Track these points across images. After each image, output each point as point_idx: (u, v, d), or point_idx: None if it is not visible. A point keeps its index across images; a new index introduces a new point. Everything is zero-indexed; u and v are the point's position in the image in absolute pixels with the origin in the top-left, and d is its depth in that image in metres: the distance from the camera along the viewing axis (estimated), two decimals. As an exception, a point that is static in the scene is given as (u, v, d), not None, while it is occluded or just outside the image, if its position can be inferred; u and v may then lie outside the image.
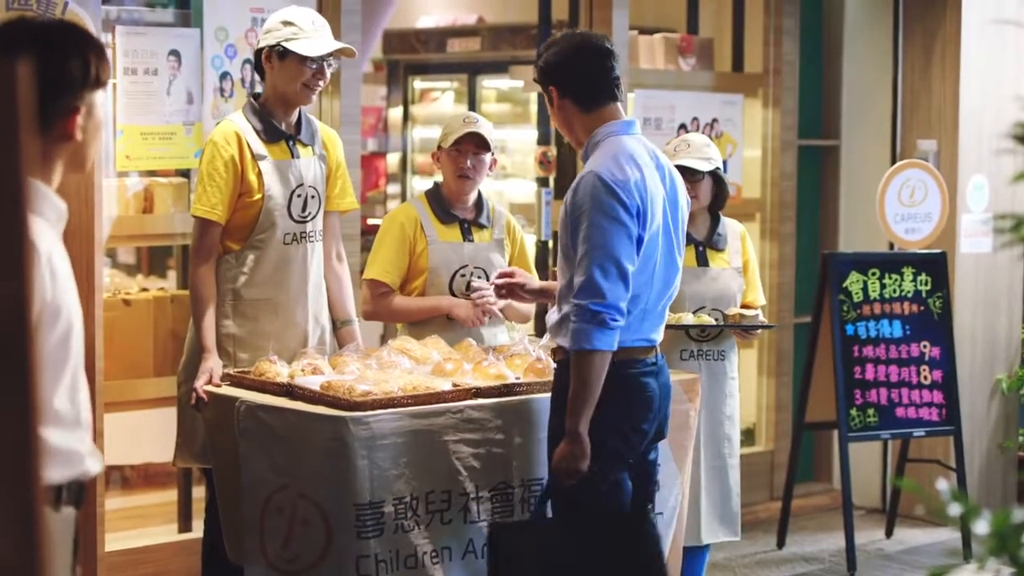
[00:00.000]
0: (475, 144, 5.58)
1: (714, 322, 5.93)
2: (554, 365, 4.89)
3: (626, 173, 4.59)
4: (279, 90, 5.37)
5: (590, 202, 4.54)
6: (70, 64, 3.01)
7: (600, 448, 4.60)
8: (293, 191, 5.38)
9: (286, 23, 5.31)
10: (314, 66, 5.30)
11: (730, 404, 6.13)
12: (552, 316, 4.80)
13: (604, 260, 4.51)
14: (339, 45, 5.37)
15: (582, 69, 4.76)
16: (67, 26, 3.09)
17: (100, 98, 3.11)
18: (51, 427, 2.98)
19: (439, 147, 5.65)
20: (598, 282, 4.50)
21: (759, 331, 6.15)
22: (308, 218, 5.44)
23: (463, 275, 5.62)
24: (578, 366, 4.53)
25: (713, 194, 6.04)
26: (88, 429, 3.12)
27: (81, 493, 3.13)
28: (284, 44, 5.28)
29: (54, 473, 3.02)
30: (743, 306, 6.16)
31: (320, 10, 6.47)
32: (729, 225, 6.19)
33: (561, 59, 4.77)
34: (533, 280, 5.27)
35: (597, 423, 4.58)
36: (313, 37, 5.30)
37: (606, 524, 4.71)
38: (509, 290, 5.21)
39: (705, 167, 5.94)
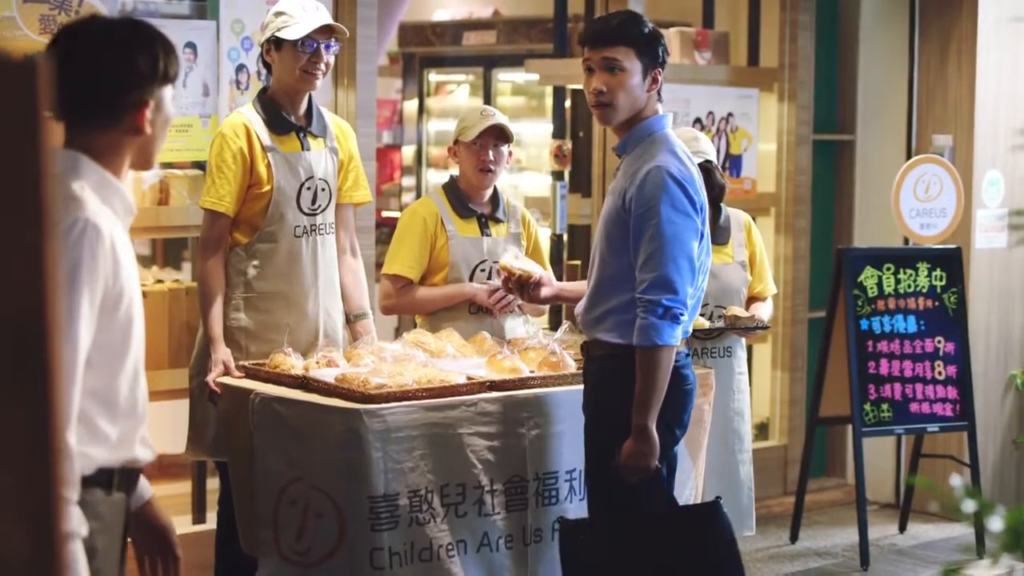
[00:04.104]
0: (495, 136, 5.58)
1: (708, 324, 5.89)
2: (563, 358, 4.90)
3: (689, 170, 4.61)
4: (283, 80, 5.38)
5: (661, 196, 4.51)
6: (138, 59, 3.10)
7: None
8: (303, 184, 5.38)
9: (278, 14, 5.33)
10: (308, 50, 5.29)
11: (738, 399, 6.11)
12: (582, 308, 4.78)
13: (678, 255, 4.50)
14: (322, 22, 5.31)
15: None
16: (136, 23, 3.21)
17: (169, 94, 3.20)
18: (107, 412, 3.09)
19: (456, 141, 5.64)
20: (672, 277, 4.48)
21: (758, 330, 6.11)
22: (318, 211, 5.44)
23: (482, 269, 5.61)
24: (647, 362, 4.50)
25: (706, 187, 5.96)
26: (144, 420, 3.21)
27: (133, 480, 3.23)
28: (276, 34, 5.30)
29: (106, 456, 3.11)
30: (750, 297, 6.14)
31: (336, 3, 6.48)
32: (733, 216, 6.13)
33: (666, 49, 4.77)
34: (552, 284, 5.24)
35: None
36: (302, 21, 5.29)
37: (676, 519, 4.73)
38: (521, 291, 5.19)
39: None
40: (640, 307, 4.51)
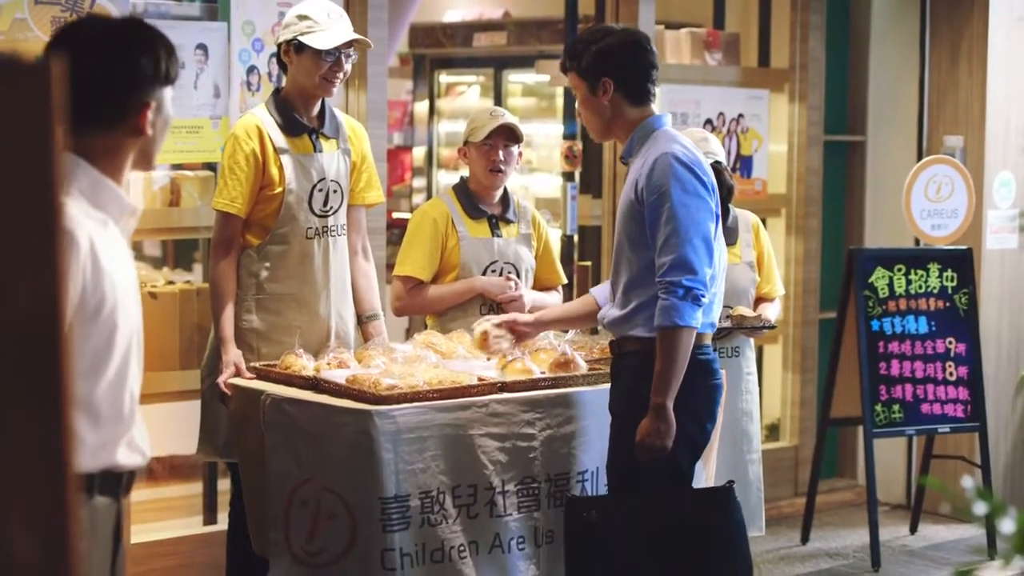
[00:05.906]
0: (505, 137, 5.59)
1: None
2: (583, 357, 4.87)
3: (695, 154, 4.65)
4: (299, 84, 5.38)
5: (671, 181, 4.54)
6: (141, 60, 3.08)
7: (679, 435, 4.61)
8: (315, 185, 5.39)
9: (301, 17, 5.33)
10: (331, 59, 5.30)
11: (747, 400, 6.11)
12: (612, 311, 4.78)
13: (694, 236, 4.53)
14: (352, 36, 5.34)
15: (641, 64, 4.76)
16: (138, 23, 3.17)
17: (169, 95, 3.17)
18: (86, 418, 3.03)
19: (466, 142, 5.65)
20: (690, 258, 4.51)
21: (764, 330, 6.12)
22: (330, 212, 5.44)
23: (493, 270, 5.62)
24: (667, 342, 4.53)
25: None
26: (131, 425, 3.16)
27: (117, 484, 3.17)
28: (300, 38, 5.29)
29: (83, 461, 3.05)
30: (758, 298, 6.14)
31: (347, 4, 6.48)
32: (741, 217, 6.15)
33: (620, 52, 4.74)
34: (527, 317, 5.28)
35: (678, 410, 4.58)
36: (328, 29, 5.30)
37: (686, 500, 4.73)
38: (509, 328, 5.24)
39: None
40: (661, 289, 4.54)
